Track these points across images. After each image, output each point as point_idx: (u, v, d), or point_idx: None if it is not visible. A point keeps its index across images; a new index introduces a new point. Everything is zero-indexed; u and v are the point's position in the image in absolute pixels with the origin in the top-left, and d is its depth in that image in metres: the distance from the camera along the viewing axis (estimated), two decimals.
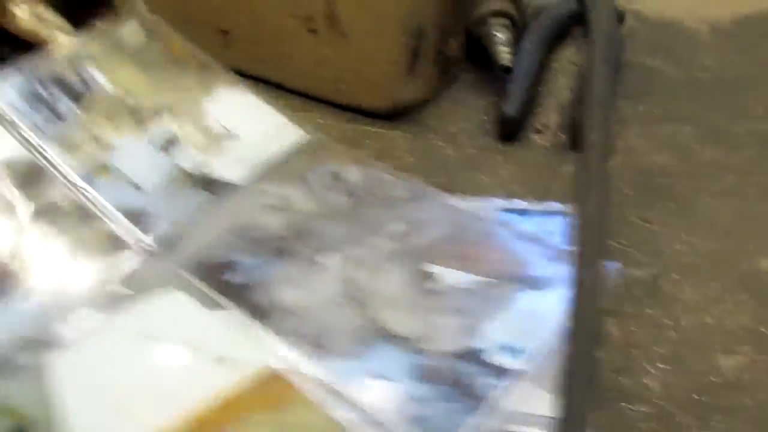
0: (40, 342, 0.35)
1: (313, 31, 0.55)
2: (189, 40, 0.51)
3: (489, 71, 0.59)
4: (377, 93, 0.56)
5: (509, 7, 0.62)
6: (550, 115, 0.58)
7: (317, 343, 0.36)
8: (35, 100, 0.45)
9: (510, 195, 0.50)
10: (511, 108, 0.55)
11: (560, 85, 0.61)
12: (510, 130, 0.55)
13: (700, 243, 0.47)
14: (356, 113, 0.57)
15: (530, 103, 0.57)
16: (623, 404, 0.38)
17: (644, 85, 0.61)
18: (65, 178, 0.42)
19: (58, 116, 0.45)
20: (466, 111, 0.58)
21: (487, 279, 0.41)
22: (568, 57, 0.64)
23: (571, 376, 0.34)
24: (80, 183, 0.42)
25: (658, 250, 0.47)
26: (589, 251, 0.38)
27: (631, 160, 0.54)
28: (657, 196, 0.51)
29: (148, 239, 0.41)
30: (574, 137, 0.54)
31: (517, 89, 0.56)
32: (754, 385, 0.40)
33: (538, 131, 0.56)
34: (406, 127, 0.56)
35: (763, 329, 0.42)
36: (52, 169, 0.42)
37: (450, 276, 0.41)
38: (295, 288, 0.39)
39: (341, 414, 0.33)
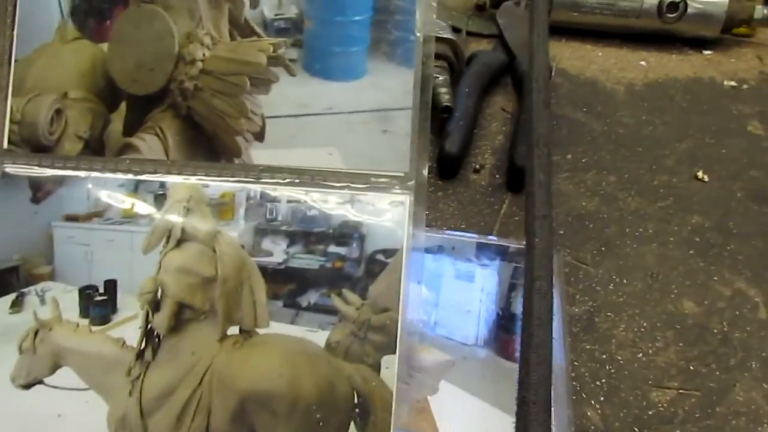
0: None
1: None
2: None
3: None
4: None
5: (447, 51, 0.64)
6: (485, 156, 0.59)
7: None
8: None
9: (450, 229, 0.51)
10: (452, 146, 0.56)
11: (494, 129, 0.63)
12: (450, 168, 0.56)
13: (628, 284, 0.50)
14: None
15: (468, 144, 0.58)
16: None
17: (570, 135, 0.64)
18: None
19: None
20: None
21: None
22: (499, 103, 0.67)
23: (530, 403, 0.34)
24: None
25: (593, 289, 0.49)
26: (541, 281, 0.39)
27: (563, 203, 0.56)
28: (588, 238, 0.53)
29: None
30: (511, 178, 0.56)
31: (456, 128, 0.57)
32: (683, 417, 0.41)
33: (476, 171, 0.58)
34: None
35: (689, 365, 0.45)
36: None
37: None
38: None
39: None
